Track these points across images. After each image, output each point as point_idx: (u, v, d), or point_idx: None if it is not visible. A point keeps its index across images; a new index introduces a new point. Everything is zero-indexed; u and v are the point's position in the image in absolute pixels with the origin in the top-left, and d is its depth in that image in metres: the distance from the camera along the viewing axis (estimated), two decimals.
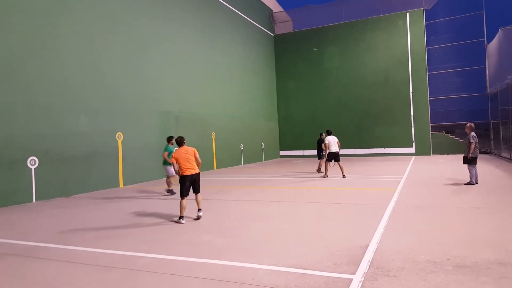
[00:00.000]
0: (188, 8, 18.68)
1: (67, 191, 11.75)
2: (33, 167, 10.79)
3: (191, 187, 7.45)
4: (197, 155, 7.65)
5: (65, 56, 12.04)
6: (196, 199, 7.63)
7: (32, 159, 10.79)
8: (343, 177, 13.66)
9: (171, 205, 9.29)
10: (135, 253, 5.27)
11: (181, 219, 7.22)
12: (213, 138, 20.15)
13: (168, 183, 11.34)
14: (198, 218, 7.47)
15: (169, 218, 7.74)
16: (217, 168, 20.30)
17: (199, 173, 7.58)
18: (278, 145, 29.15)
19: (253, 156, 24.73)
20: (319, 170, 16.26)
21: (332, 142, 13.98)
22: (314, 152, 26.56)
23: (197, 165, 7.60)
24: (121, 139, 13.95)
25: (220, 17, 21.67)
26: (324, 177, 14.14)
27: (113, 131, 13.65)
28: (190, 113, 18.22)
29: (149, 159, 15.34)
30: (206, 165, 19.18)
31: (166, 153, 10.81)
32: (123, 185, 13.92)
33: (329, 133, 14.49)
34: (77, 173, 12.08)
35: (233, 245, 5.49)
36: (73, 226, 7.35)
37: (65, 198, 11.30)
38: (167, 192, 11.34)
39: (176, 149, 7.63)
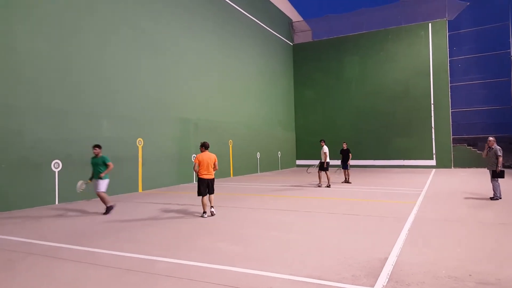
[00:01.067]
0: (208, 17, 18.97)
1: (88, 195, 11.98)
2: (56, 170, 11.07)
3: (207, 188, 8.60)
4: (216, 162, 8.72)
5: (89, 64, 12.38)
6: (209, 198, 8.68)
7: (56, 162, 11.08)
8: (328, 187, 14.19)
9: (188, 210, 9.36)
10: (153, 257, 5.33)
11: (204, 214, 8.47)
12: (230, 146, 20.26)
13: (105, 200, 9.25)
14: (212, 214, 8.60)
15: (186, 223, 7.80)
16: (233, 175, 20.36)
17: (214, 178, 8.71)
18: (294, 154, 29.07)
19: (270, 165, 24.72)
20: (343, 180, 16.03)
21: (328, 153, 14.62)
22: (330, 162, 26.39)
23: (214, 170, 8.69)
24: (142, 144, 14.19)
25: (239, 26, 21.92)
26: (327, 186, 14.38)
27: (134, 137, 13.90)
28: (208, 121, 18.40)
29: (168, 165, 15.57)
30: (222, 172, 19.28)
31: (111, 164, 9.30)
32: (142, 190, 14.12)
33: (325, 142, 14.99)
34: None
35: (249, 253, 5.49)
36: (94, 228, 7.50)
37: (86, 201, 11.53)
38: (107, 210, 9.22)
39: (201, 153, 8.67)
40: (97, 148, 9.32)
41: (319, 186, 14.50)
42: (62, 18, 11.57)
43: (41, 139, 10.73)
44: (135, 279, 4.47)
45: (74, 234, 7.03)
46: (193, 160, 17.06)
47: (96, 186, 9.17)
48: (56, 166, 11.09)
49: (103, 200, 9.21)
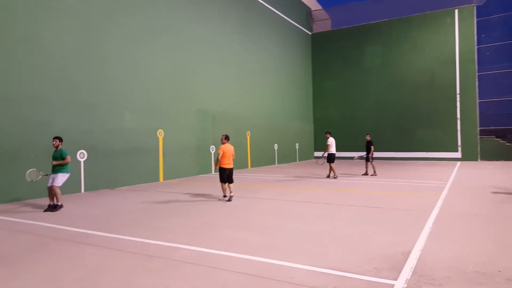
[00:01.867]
0: (226, 8, 18.89)
1: (112, 184, 12.26)
2: (82, 160, 11.34)
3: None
4: (234, 152, 9.61)
5: (111, 57, 12.56)
6: (228, 186, 9.48)
7: (81, 153, 11.35)
8: (328, 177, 14.58)
9: (208, 200, 9.44)
10: (175, 244, 5.41)
11: (224, 197, 9.49)
12: (248, 138, 20.26)
13: (58, 196, 8.46)
14: (230, 199, 9.37)
15: (207, 213, 7.87)
16: (251, 167, 20.39)
17: (233, 168, 9.50)
18: (312, 146, 28.83)
19: (287, 157, 24.62)
20: (371, 173, 15.74)
21: (334, 144, 14.67)
22: (349, 154, 26.14)
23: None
24: (162, 136, 14.36)
25: (257, 16, 21.74)
26: (327, 176, 14.69)
27: (154, 128, 14.08)
28: (226, 113, 18.43)
29: (188, 155, 15.75)
30: (240, 163, 19.34)
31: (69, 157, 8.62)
32: (163, 180, 14.32)
33: (330, 134, 15.00)
34: (121, 167, 12.57)
35: (270, 243, 5.49)
36: (118, 216, 7.67)
37: (109, 190, 11.79)
38: (53, 208, 8.37)
39: (224, 145, 9.42)
40: (56, 140, 8.59)
41: (327, 177, 14.75)
42: (86, 11, 11.76)
43: (67, 130, 10.99)
44: (158, 265, 4.55)
45: (99, 221, 7.21)
46: (211, 151, 17.18)
47: (53, 180, 8.43)
48: (82, 156, 11.36)
49: (56, 195, 8.40)
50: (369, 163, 15.68)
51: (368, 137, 15.89)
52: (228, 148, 9.41)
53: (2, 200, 9.50)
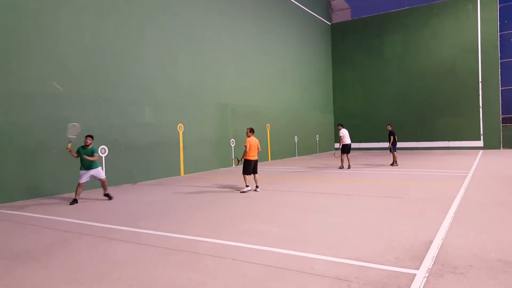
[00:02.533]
0: (245, 0, 18.85)
1: (134, 178, 12.53)
2: (103, 155, 11.63)
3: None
4: (259, 145, 9.97)
5: (130, 53, 12.74)
6: (254, 178, 9.93)
7: (103, 148, 11.62)
8: (349, 168, 14.82)
9: (229, 194, 9.57)
10: (197, 237, 5.53)
11: (247, 187, 9.74)
12: (268, 130, 20.30)
13: (105, 185, 9.37)
14: (256, 189, 9.77)
15: (228, 206, 8.00)
16: (271, 159, 20.46)
17: (257, 159, 9.93)
18: (333, 138, 28.66)
19: (307, 148, 24.57)
20: (394, 164, 15.55)
21: (347, 135, 14.95)
22: (370, 145, 25.91)
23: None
24: (182, 130, 14.55)
25: (276, 8, 21.64)
26: (340, 168, 14.90)
27: (174, 122, 14.27)
28: (246, 105, 18.49)
29: (208, 149, 15.92)
30: (261, 156, 19.35)
31: (97, 155, 9.17)
32: (184, 174, 14.55)
33: (342, 126, 15.27)
34: (142, 162, 12.83)
35: (290, 235, 5.55)
36: (141, 211, 7.86)
37: (131, 185, 12.06)
38: (74, 201, 8.86)
39: (250, 137, 9.82)
40: (90, 138, 9.07)
41: (340, 168, 14.99)
42: (102, 7, 11.92)
43: (88, 126, 11.21)
44: (181, 258, 4.67)
45: (122, 216, 7.41)
46: (231, 145, 17.31)
47: (99, 174, 9.18)
48: (103, 151, 11.63)
49: (105, 185, 9.31)
50: (392, 153, 15.57)
51: (389, 127, 15.78)
52: (254, 140, 9.78)
53: (25, 197, 9.71)
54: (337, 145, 28.30)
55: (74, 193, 9.08)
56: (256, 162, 9.87)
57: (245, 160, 9.79)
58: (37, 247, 5.38)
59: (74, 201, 8.87)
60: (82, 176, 8.98)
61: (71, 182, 10.72)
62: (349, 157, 14.94)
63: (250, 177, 9.87)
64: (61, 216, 7.48)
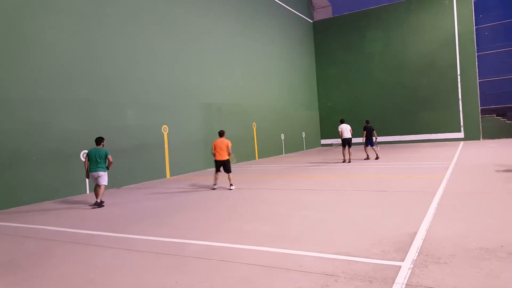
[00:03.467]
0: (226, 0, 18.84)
1: (118, 183, 12.38)
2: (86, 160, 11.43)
3: (221, 167, 10.31)
4: (230, 147, 10.31)
5: (112, 54, 12.58)
6: (228, 177, 10.27)
7: (85, 153, 11.42)
8: (349, 162, 15.27)
9: (216, 194, 9.56)
10: (184, 240, 5.51)
11: (214, 185, 10.38)
12: (254, 129, 20.33)
13: (98, 193, 8.91)
14: (230, 189, 10.11)
15: (215, 207, 7.99)
16: (258, 158, 20.50)
17: (227, 159, 10.27)
18: (319, 134, 28.88)
19: (294, 146, 24.69)
20: (365, 157, 16.35)
21: (345, 130, 15.38)
22: (355, 140, 26.11)
23: (228, 154, 10.27)
24: (167, 131, 14.45)
25: (258, 6, 21.64)
26: (344, 161, 15.46)
27: (159, 124, 14.16)
28: (231, 104, 18.47)
29: (194, 150, 15.84)
30: (248, 155, 19.45)
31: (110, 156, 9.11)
32: (170, 176, 14.45)
33: (342, 121, 15.85)
34: (126, 165, 12.69)
35: (279, 233, 5.59)
36: (126, 215, 7.78)
37: (116, 189, 11.92)
38: (96, 204, 8.83)
39: (217, 140, 10.37)
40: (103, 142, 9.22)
41: (343, 162, 15.50)
42: (84, 9, 11.73)
43: (70, 130, 11.07)
44: (168, 261, 4.64)
45: (106, 221, 7.32)
46: None
47: (102, 179, 8.94)
48: (85, 156, 11.43)
49: (102, 194, 8.97)
50: (368, 147, 16.21)
51: (366, 123, 16.26)
52: (220, 142, 10.24)
53: (3, 206, 9.35)
54: (323, 141, 28.66)
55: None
56: (224, 162, 10.22)
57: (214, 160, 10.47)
58: (18, 257, 5.25)
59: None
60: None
61: (52, 189, 10.56)
62: (350, 151, 15.40)
63: (222, 176, 10.49)
64: (42, 225, 7.31)
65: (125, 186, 12.48)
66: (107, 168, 9.05)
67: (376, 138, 15.99)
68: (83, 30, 11.70)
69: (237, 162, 18.39)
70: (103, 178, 8.92)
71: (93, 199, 9.36)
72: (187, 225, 6.55)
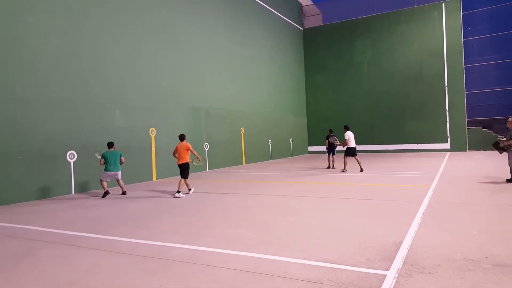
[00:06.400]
0: (217, 4, 18.83)
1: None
2: (72, 161, 11.26)
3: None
4: (191, 148, 10.27)
5: (100, 55, 12.45)
6: (179, 182, 10.07)
7: (71, 153, 11.26)
8: (361, 171, 14.13)
9: (202, 198, 9.46)
10: (169, 243, 5.42)
11: (179, 193, 9.83)
12: (242, 134, 20.29)
13: (122, 185, 10.79)
14: (188, 193, 10.25)
15: (201, 211, 7.90)
16: (246, 163, 20.44)
17: (187, 163, 10.16)
18: (306, 141, 28.98)
19: (282, 152, 24.72)
20: (330, 167, 16.17)
21: (351, 138, 14.51)
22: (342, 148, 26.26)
23: (198, 158, 10.42)
24: (154, 134, 14.31)
25: (248, 12, 21.71)
26: (343, 171, 14.54)
27: (146, 126, 14.02)
28: (219, 109, 18.42)
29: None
30: (235, 160, 19.40)
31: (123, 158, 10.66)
32: (156, 179, 14.29)
33: (347, 128, 14.87)
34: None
35: (264, 238, 5.54)
36: (111, 217, 7.65)
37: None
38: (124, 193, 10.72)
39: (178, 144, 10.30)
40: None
41: (344, 171, 14.55)
42: (72, 10, 11.61)
43: (56, 131, 10.89)
44: (152, 265, 4.56)
45: (91, 223, 7.18)
46: (205, 149, 17.19)
47: (119, 175, 10.58)
48: (72, 157, 11.28)
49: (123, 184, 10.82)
50: (331, 156, 16.17)
51: (330, 132, 16.45)
52: (179, 145, 10.22)
53: None
54: (310, 148, 28.70)
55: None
56: (183, 165, 10.12)
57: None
58: (0, 257, 5.14)
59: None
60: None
61: (38, 189, 10.36)
62: (358, 160, 14.49)
63: (187, 182, 10.27)
64: (26, 224, 7.18)
65: (111, 188, 12.26)
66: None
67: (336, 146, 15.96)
68: (70, 31, 11.56)
69: (224, 166, 18.34)
70: (119, 174, 10.58)
71: (79, 200, 9.41)
72: (171, 228, 6.45)
